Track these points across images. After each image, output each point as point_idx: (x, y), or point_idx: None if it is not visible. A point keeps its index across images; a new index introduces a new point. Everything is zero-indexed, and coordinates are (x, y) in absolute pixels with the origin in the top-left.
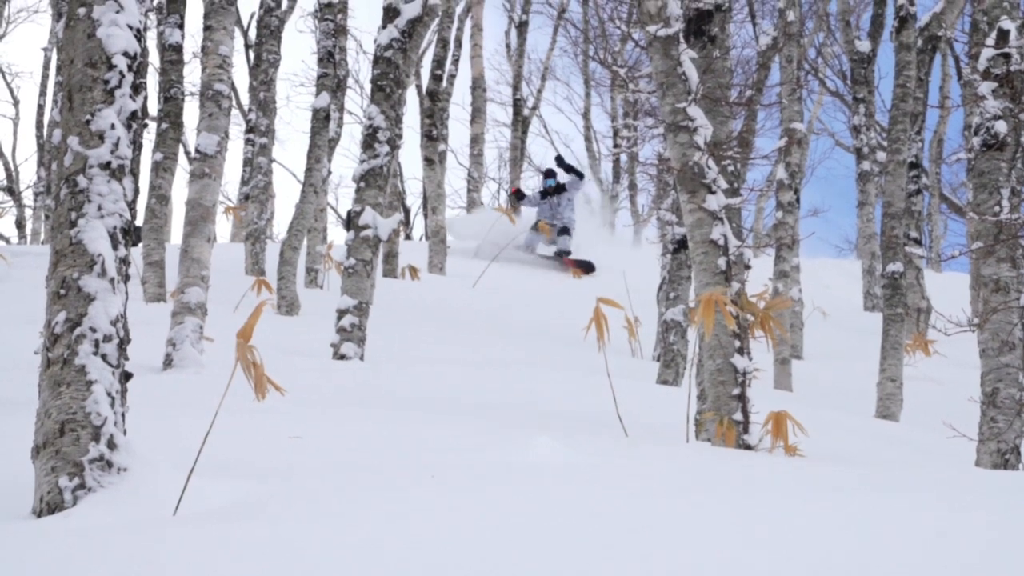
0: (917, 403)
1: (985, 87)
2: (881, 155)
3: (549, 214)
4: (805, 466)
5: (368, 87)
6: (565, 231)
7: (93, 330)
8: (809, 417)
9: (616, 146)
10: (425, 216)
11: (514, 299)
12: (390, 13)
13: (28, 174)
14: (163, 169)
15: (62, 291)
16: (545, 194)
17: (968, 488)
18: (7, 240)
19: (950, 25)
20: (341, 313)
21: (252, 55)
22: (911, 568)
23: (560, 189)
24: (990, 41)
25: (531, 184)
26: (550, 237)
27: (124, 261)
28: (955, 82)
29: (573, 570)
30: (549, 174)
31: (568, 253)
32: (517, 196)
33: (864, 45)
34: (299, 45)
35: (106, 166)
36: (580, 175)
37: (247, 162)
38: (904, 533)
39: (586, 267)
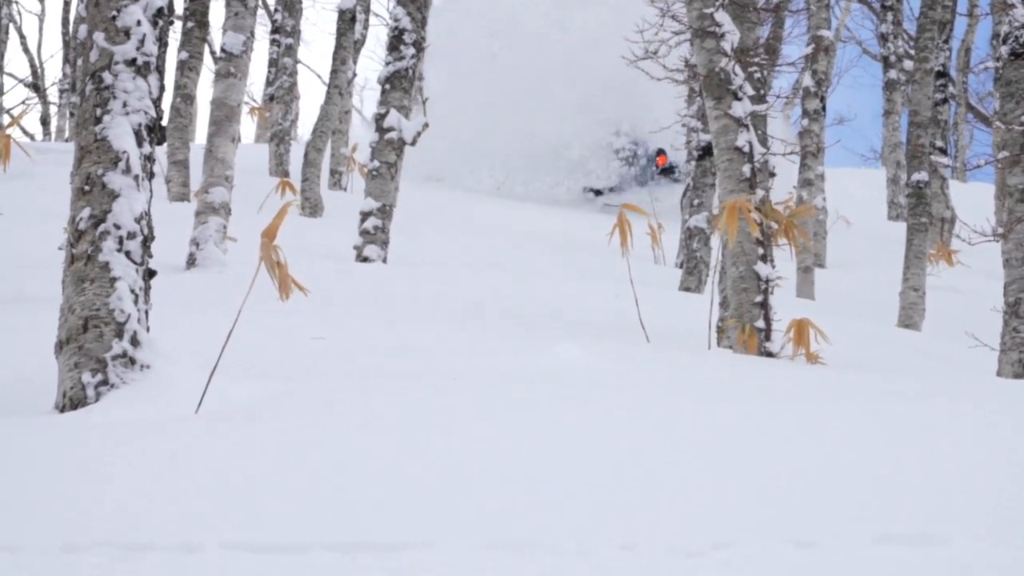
0: (939, 313)
1: None
2: (908, 64)
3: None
4: (826, 373)
5: None
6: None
7: (117, 227)
8: (831, 325)
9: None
10: None
11: (537, 211)
12: None
13: (53, 71)
14: (188, 68)
15: (86, 187)
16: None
17: (989, 396)
18: (32, 137)
19: None
20: (364, 215)
21: None
22: (934, 474)
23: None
24: None
25: None
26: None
27: (149, 158)
28: None
29: (601, 468)
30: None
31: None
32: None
33: None
34: None
35: (131, 62)
36: None
37: (272, 63)
38: (926, 441)
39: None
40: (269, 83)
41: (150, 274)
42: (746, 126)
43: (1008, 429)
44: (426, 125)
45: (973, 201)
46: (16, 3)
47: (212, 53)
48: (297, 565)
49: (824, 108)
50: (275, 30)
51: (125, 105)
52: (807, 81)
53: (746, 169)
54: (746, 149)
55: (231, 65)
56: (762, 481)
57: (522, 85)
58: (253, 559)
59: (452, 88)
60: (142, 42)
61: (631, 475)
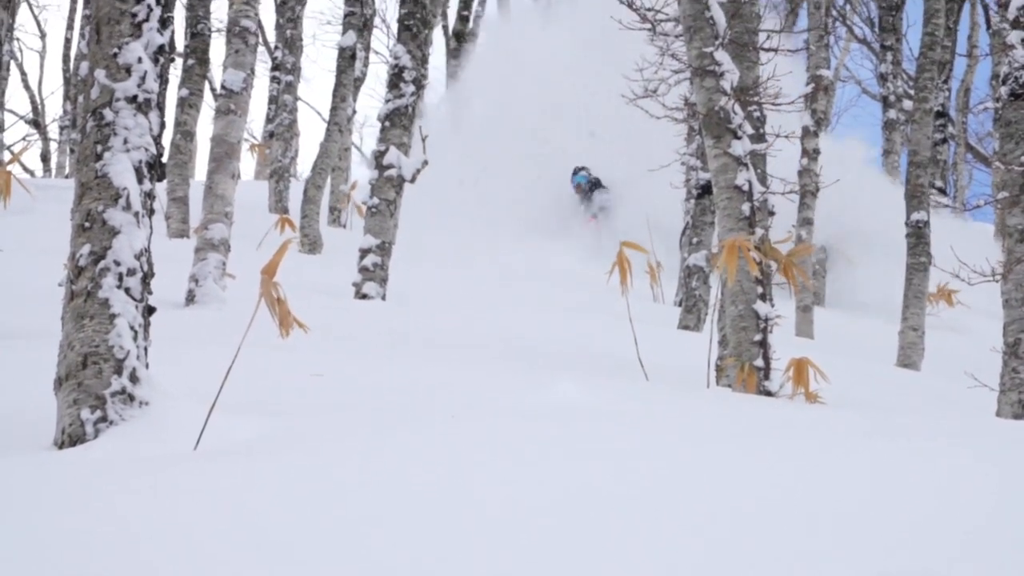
0: (939, 353)
1: (1014, 36)
2: (907, 104)
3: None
4: (824, 412)
5: (395, 26)
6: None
7: (117, 263)
8: (830, 364)
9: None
10: None
11: (536, 248)
12: None
13: (54, 107)
14: (189, 105)
15: (87, 224)
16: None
17: (988, 435)
18: (32, 173)
19: None
20: (364, 252)
21: None
22: (926, 516)
23: (594, 186)
24: None
25: None
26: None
27: (149, 195)
28: (984, 31)
29: (593, 505)
30: (577, 171)
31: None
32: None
33: None
34: None
35: (132, 99)
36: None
37: (272, 100)
38: (920, 481)
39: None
40: (269, 120)
41: (149, 311)
42: (745, 165)
43: (1007, 468)
44: (425, 163)
45: (973, 241)
46: (18, 40)
47: (212, 90)
48: None
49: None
50: (275, 67)
51: (126, 142)
52: (806, 120)
53: (745, 208)
54: (745, 188)
55: (231, 102)
56: (759, 519)
57: (536, 122)
58: None
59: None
60: (143, 79)
61: (622, 517)
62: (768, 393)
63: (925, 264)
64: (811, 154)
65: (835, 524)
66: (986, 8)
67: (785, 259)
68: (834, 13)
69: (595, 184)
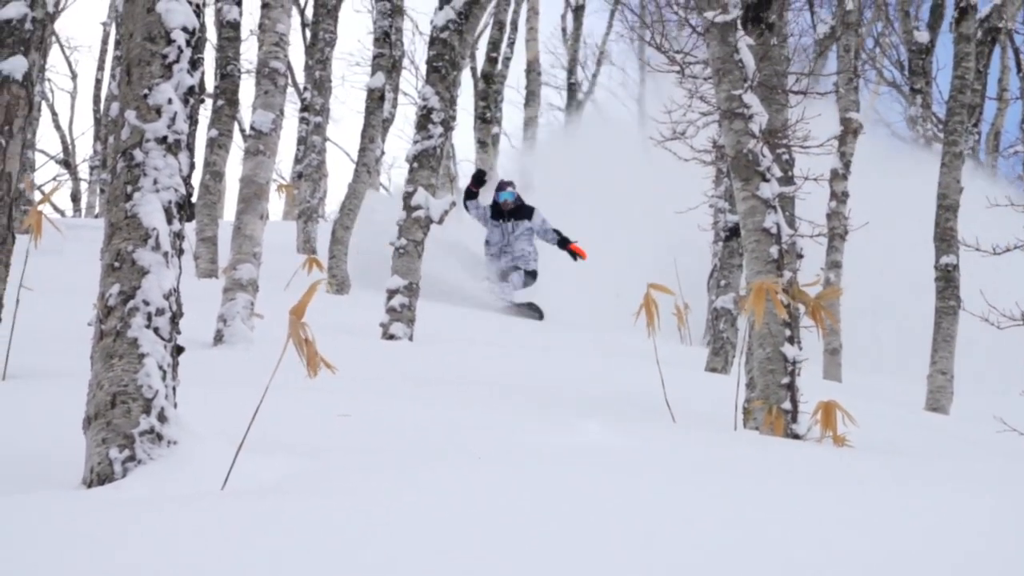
0: (968, 397)
1: None
2: (937, 147)
3: (499, 241)
4: (853, 456)
5: (423, 68)
6: (531, 276)
7: (146, 303)
8: (858, 408)
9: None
10: None
11: (562, 283)
12: None
13: (84, 148)
14: (218, 146)
15: (116, 264)
16: (498, 213)
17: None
18: (62, 213)
19: (1011, 17)
20: (391, 293)
21: (308, 34)
22: (965, 561)
23: (521, 212)
24: None
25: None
26: (498, 275)
27: (178, 235)
28: (1014, 75)
29: (617, 551)
30: (504, 186)
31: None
32: (476, 184)
33: (923, 36)
34: (356, 25)
35: (162, 140)
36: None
37: (301, 140)
38: (957, 526)
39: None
40: (298, 160)
41: (178, 350)
42: (774, 207)
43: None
44: (453, 204)
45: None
46: (49, 80)
47: (242, 131)
48: None
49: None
50: (304, 108)
51: (155, 182)
52: (835, 163)
53: (773, 250)
54: (774, 231)
55: (260, 143)
56: (790, 565)
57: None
58: None
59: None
60: (173, 120)
61: (643, 559)
62: (796, 436)
63: (955, 308)
64: (840, 197)
65: (866, 570)
66: (1017, 52)
67: (814, 302)
68: (864, 56)
69: (521, 208)
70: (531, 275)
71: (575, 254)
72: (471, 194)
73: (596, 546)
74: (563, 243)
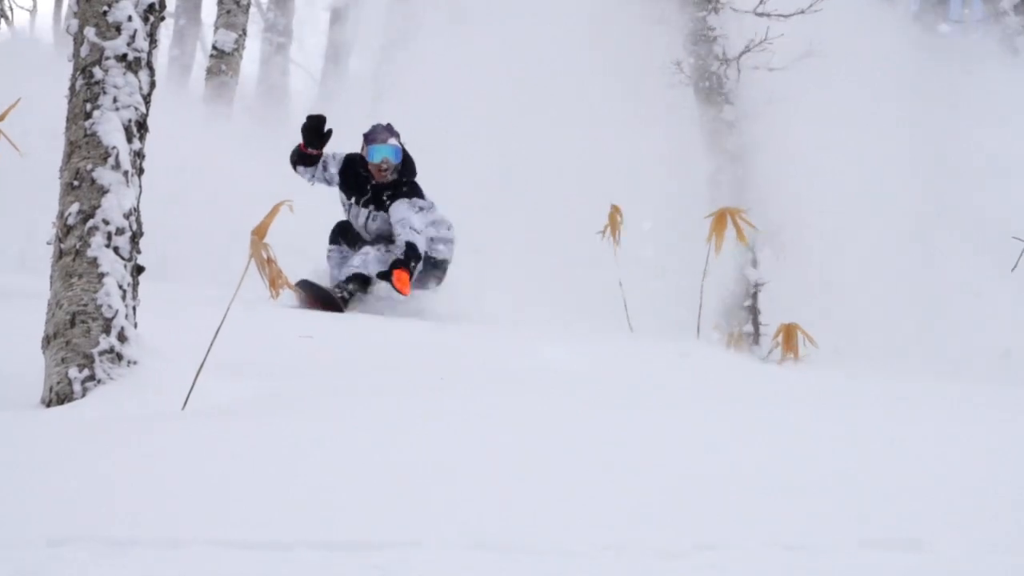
0: None
1: None
2: None
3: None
4: (814, 376)
5: None
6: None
7: (106, 222)
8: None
9: None
10: None
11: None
12: None
13: None
14: (180, 65)
15: (75, 182)
16: (359, 186)
17: (983, 402)
18: None
19: None
20: None
21: None
22: (920, 478)
23: (398, 190)
24: None
25: None
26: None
27: (139, 154)
28: None
29: (585, 467)
30: (378, 136)
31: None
32: (309, 141)
33: None
34: None
35: (122, 58)
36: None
37: (264, 61)
38: (914, 445)
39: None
40: (260, 81)
41: (139, 270)
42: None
43: (995, 433)
44: None
45: None
46: None
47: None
48: (281, 563)
49: None
50: (267, 28)
51: (115, 100)
52: None
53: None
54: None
55: (223, 63)
56: (749, 484)
57: None
58: (237, 556)
59: None
60: (133, 37)
61: (616, 476)
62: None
63: None
64: None
65: (827, 490)
66: None
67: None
68: None
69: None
70: (435, 265)
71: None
72: (307, 158)
73: (543, 466)
74: (394, 263)
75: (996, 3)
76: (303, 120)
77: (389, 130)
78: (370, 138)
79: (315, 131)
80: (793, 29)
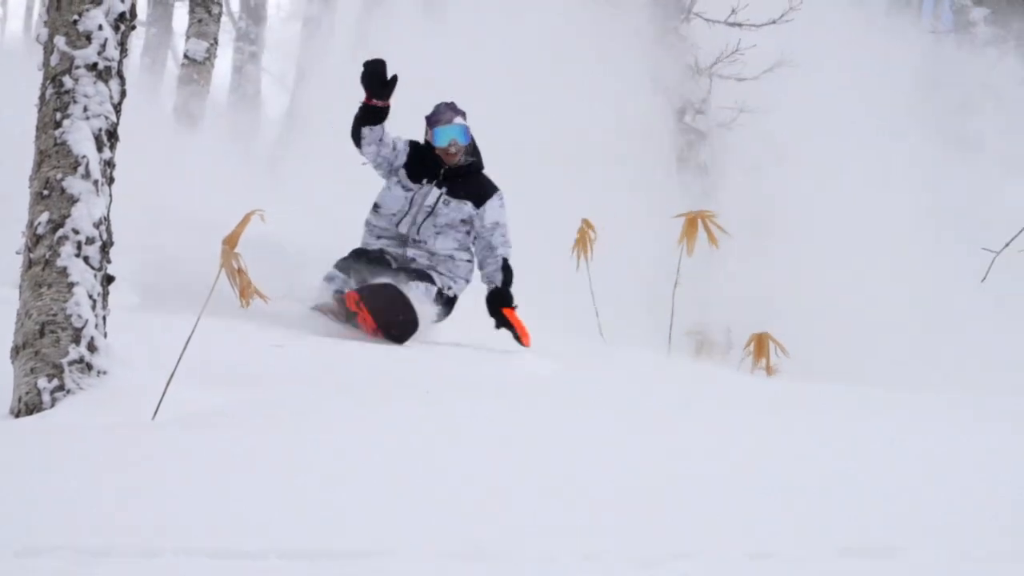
0: None
1: None
2: None
3: (403, 211)
4: (788, 385)
5: None
6: (447, 305)
7: (76, 232)
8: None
9: None
10: None
11: None
12: None
13: None
14: (151, 74)
15: (45, 191)
16: (423, 168)
17: (954, 408)
18: None
19: None
20: None
21: None
22: (897, 486)
23: (470, 184)
24: None
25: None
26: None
27: (109, 163)
28: None
29: (563, 476)
30: (446, 116)
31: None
32: (374, 90)
33: None
34: None
35: (92, 67)
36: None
37: (236, 70)
38: (889, 453)
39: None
40: (232, 91)
41: (109, 279)
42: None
43: (972, 441)
44: None
45: None
46: None
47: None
48: (256, 572)
49: None
50: (239, 37)
51: (85, 109)
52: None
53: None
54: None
55: (194, 71)
56: (723, 493)
57: None
58: (212, 565)
59: None
60: (103, 46)
61: (592, 484)
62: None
63: None
64: None
65: (802, 499)
66: None
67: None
68: None
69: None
70: (447, 302)
71: (516, 333)
72: (373, 114)
73: (522, 475)
74: (496, 297)
75: (967, 14)
76: (361, 69)
77: (453, 108)
78: (433, 120)
79: (378, 76)
80: (764, 39)
